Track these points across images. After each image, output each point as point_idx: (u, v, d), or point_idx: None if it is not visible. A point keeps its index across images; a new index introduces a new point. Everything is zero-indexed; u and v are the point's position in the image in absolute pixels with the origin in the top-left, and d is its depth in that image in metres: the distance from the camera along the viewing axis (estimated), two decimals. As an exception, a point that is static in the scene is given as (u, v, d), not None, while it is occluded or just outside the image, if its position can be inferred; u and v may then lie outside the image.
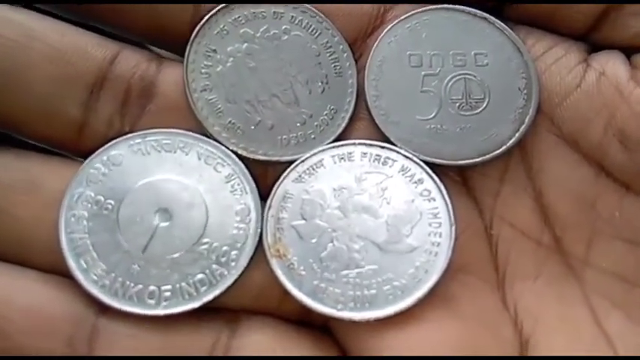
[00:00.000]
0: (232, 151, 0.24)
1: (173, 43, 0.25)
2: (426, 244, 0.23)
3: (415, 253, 0.23)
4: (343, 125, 0.25)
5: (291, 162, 0.24)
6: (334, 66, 0.25)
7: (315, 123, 0.25)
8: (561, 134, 0.24)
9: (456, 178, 0.25)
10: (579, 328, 0.24)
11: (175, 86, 0.25)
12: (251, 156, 0.24)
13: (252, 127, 0.25)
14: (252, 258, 0.23)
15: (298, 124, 0.25)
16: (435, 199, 0.24)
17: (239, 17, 0.25)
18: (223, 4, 0.25)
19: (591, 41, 0.25)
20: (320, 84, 0.25)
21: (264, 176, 0.25)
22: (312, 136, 0.25)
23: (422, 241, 0.23)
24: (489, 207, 0.25)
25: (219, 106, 0.25)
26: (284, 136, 0.25)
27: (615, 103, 0.23)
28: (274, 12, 0.25)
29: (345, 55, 0.25)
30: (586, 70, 0.24)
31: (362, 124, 0.25)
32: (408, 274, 0.23)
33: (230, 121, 0.25)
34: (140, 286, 0.23)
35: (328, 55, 0.25)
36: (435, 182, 0.24)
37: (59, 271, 0.23)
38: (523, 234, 0.25)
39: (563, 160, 0.24)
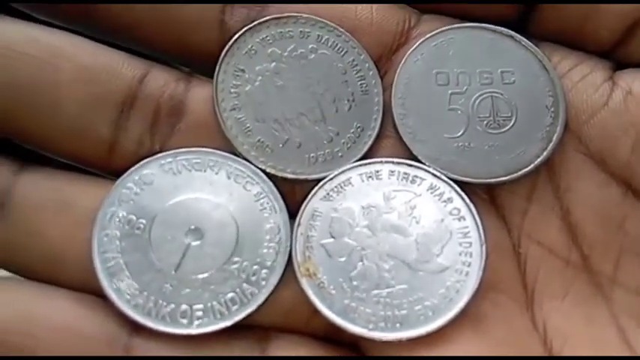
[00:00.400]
0: (261, 169, 0.24)
1: (200, 62, 0.25)
2: (456, 264, 0.23)
3: (446, 273, 0.23)
4: (370, 143, 0.25)
5: (319, 180, 0.25)
6: (360, 84, 0.25)
7: (342, 141, 0.25)
8: (589, 153, 0.24)
9: (483, 196, 0.25)
10: (608, 349, 0.23)
11: (204, 105, 0.25)
12: (279, 174, 0.25)
13: (281, 146, 0.25)
14: (282, 276, 0.23)
15: (325, 142, 0.25)
16: (464, 218, 0.24)
17: (267, 37, 0.25)
18: (251, 25, 0.25)
19: (616, 58, 0.25)
20: (347, 102, 0.25)
21: (293, 194, 0.25)
22: (340, 154, 0.25)
23: (452, 260, 0.23)
24: (517, 225, 0.25)
25: (248, 124, 0.25)
26: (312, 154, 0.25)
27: None
28: (301, 31, 0.25)
29: (371, 73, 0.25)
30: (612, 89, 0.24)
31: (388, 142, 0.25)
32: (439, 294, 0.23)
33: (259, 140, 0.25)
34: (172, 305, 0.23)
35: (354, 73, 0.25)
36: (464, 201, 0.24)
37: (91, 291, 0.23)
38: (551, 252, 0.25)
39: (591, 179, 0.24)
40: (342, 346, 0.24)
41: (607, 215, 0.24)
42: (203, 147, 0.25)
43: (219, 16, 0.25)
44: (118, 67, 0.25)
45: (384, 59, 0.26)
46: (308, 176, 0.25)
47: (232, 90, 0.25)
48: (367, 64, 0.25)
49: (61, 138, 0.24)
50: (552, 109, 0.25)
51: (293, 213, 0.24)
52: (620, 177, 0.24)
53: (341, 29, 0.25)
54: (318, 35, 0.25)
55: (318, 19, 0.25)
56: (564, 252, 0.25)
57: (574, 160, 0.25)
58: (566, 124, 0.25)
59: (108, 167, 0.25)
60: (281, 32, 0.25)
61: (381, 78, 0.26)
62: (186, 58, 0.26)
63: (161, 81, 0.25)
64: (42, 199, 0.24)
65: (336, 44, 0.25)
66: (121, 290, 0.23)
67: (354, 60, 0.25)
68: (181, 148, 0.24)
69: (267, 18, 0.25)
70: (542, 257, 0.25)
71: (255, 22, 0.25)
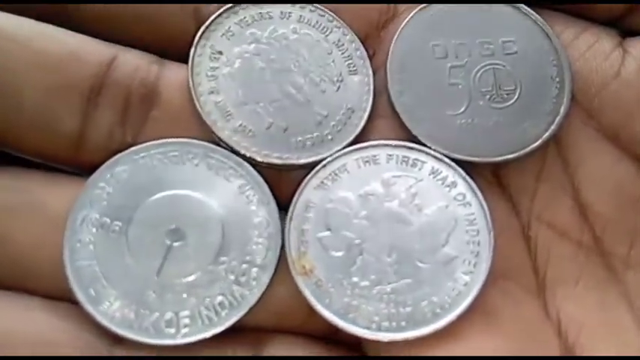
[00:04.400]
0: (244, 156, 0.22)
1: (175, 51, 0.23)
2: (464, 254, 0.21)
3: (453, 264, 0.21)
4: (361, 124, 0.23)
5: (307, 165, 0.23)
6: (348, 64, 0.24)
7: (332, 123, 0.23)
8: (600, 127, 0.23)
9: (489, 177, 0.23)
10: (624, 334, 0.22)
11: (180, 90, 0.23)
12: (265, 160, 0.23)
13: (265, 130, 0.23)
14: (274, 274, 0.21)
15: (314, 125, 0.23)
16: (470, 204, 0.22)
17: (245, 18, 0.24)
18: (228, 5, 0.23)
19: (623, 26, 0.23)
20: (334, 82, 0.24)
21: (281, 183, 0.23)
22: (329, 137, 0.23)
23: (460, 250, 0.21)
24: (526, 207, 0.23)
25: (228, 108, 0.23)
26: (299, 138, 0.23)
27: None
28: (281, 12, 0.24)
29: (358, 52, 0.24)
30: (624, 57, 0.23)
31: (382, 122, 0.24)
32: (447, 287, 0.21)
33: (240, 124, 0.23)
34: (156, 314, 0.21)
35: (341, 53, 0.24)
36: (469, 185, 0.22)
37: (67, 298, 0.21)
38: (562, 235, 0.23)
39: (603, 155, 0.23)
40: (343, 345, 0.23)
41: (620, 193, 0.23)
42: (180, 136, 0.23)
43: (194, 4, 0.23)
44: (83, 52, 0.22)
45: (372, 38, 0.24)
46: (296, 161, 0.23)
47: (209, 73, 0.23)
48: (353, 43, 0.24)
49: (22, 132, 0.22)
50: (558, 80, 0.23)
51: (282, 204, 0.22)
52: (634, 153, 0.23)
53: (323, 8, 0.24)
54: (300, 15, 0.24)
55: None
56: (576, 234, 0.23)
57: (584, 134, 0.23)
58: (575, 97, 0.23)
59: (77, 163, 0.23)
60: (260, 13, 0.24)
61: (371, 56, 0.24)
62: (161, 47, 0.24)
63: (131, 65, 0.23)
64: (9, 202, 0.22)
65: (320, 24, 0.24)
66: (97, 300, 0.21)
67: (339, 40, 0.24)
68: (156, 138, 0.22)
69: None
70: (552, 240, 0.23)
71: (232, 5, 0.24)
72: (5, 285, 0.22)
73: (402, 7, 0.24)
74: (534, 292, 0.23)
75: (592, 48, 0.23)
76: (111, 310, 0.21)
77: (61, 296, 0.22)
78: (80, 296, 0.21)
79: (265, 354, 0.22)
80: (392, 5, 0.24)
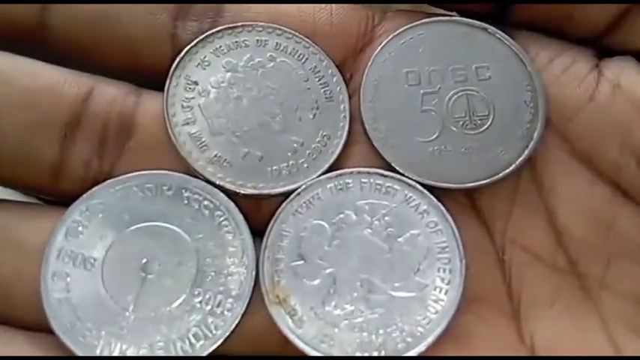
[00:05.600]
0: (220, 187, 0.23)
1: (152, 79, 0.24)
2: (435, 282, 0.21)
3: (424, 292, 0.21)
4: (337, 151, 0.23)
5: (283, 194, 0.23)
6: (324, 91, 0.24)
7: (308, 151, 0.23)
8: (574, 151, 0.23)
9: (463, 201, 0.23)
10: (598, 355, 0.22)
11: (156, 120, 0.23)
12: (240, 190, 0.23)
13: (240, 159, 0.23)
14: (248, 304, 0.22)
15: (289, 154, 0.23)
16: (442, 232, 0.22)
17: (220, 47, 0.24)
18: (203, 36, 0.24)
19: (601, 45, 0.23)
20: (310, 110, 0.24)
21: (257, 212, 0.23)
22: (305, 165, 0.23)
23: (431, 278, 0.21)
24: (500, 231, 0.23)
25: (204, 139, 0.23)
26: (274, 167, 0.23)
27: (632, 120, 0.22)
28: (257, 40, 0.24)
29: (335, 79, 0.24)
30: (598, 81, 0.23)
31: (357, 148, 0.24)
32: (419, 316, 0.21)
33: (216, 155, 0.23)
34: (132, 346, 0.21)
35: (317, 80, 0.24)
36: (441, 212, 0.22)
37: (45, 329, 0.22)
38: (537, 258, 0.23)
39: (577, 179, 0.23)
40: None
41: (595, 217, 0.23)
42: (156, 167, 0.23)
43: (170, 30, 0.24)
44: (60, 86, 0.23)
45: (349, 62, 0.24)
46: (271, 190, 0.23)
47: (184, 104, 0.23)
48: (330, 70, 0.24)
49: (2, 164, 0.23)
50: (532, 105, 0.23)
51: (260, 231, 0.23)
52: (607, 177, 0.22)
53: (300, 35, 0.24)
54: (277, 43, 0.24)
55: (275, 26, 0.24)
56: (551, 257, 0.23)
57: (558, 159, 0.23)
58: (549, 121, 0.23)
59: (56, 192, 0.23)
60: (236, 42, 0.24)
61: (347, 82, 0.24)
62: (138, 75, 0.24)
63: (108, 97, 0.23)
64: None
65: (296, 51, 0.24)
66: (73, 333, 0.21)
67: (315, 66, 0.24)
68: (132, 169, 0.23)
69: (220, 28, 0.24)
70: (527, 263, 0.23)
71: (207, 33, 0.24)
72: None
73: (379, 29, 0.24)
74: (509, 316, 0.23)
75: (567, 72, 0.23)
76: (87, 342, 0.21)
77: (41, 327, 0.22)
78: (56, 328, 0.21)
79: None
80: (370, 29, 0.24)
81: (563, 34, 0.24)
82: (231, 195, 0.23)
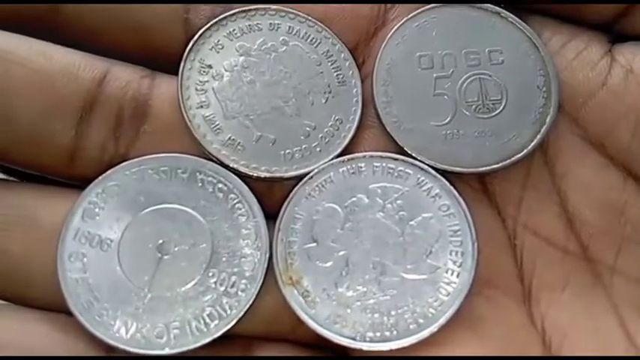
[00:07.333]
0: (233, 169, 0.23)
1: (166, 63, 0.24)
2: (447, 265, 0.22)
3: (436, 275, 0.22)
4: (350, 135, 0.24)
5: (296, 178, 0.23)
6: (337, 75, 0.24)
7: (320, 135, 0.23)
8: (586, 136, 0.23)
9: (475, 185, 0.24)
10: (609, 342, 0.22)
11: (171, 103, 0.23)
12: (253, 173, 0.23)
13: (254, 143, 0.23)
14: (262, 285, 0.22)
15: (302, 137, 0.23)
16: (454, 215, 0.22)
17: (234, 30, 0.24)
18: (217, 18, 0.24)
19: (614, 30, 0.23)
20: (323, 94, 0.24)
21: (271, 194, 0.23)
22: (318, 149, 0.23)
23: (443, 261, 0.22)
24: (512, 215, 0.23)
25: (217, 122, 0.23)
26: (287, 151, 0.23)
27: None
28: (270, 23, 0.24)
29: (348, 63, 0.24)
30: (611, 66, 0.23)
31: (370, 132, 0.24)
32: (430, 298, 0.21)
33: (230, 138, 0.23)
34: (147, 325, 0.21)
35: (330, 64, 0.24)
36: (453, 196, 0.22)
37: (61, 309, 0.22)
38: (548, 242, 0.23)
39: (589, 164, 0.23)
40: (330, 351, 0.23)
41: (607, 202, 0.23)
42: (171, 149, 0.23)
43: (183, 14, 0.24)
44: (75, 69, 0.23)
45: (361, 46, 0.24)
46: (284, 174, 0.23)
47: (198, 87, 0.23)
48: (343, 54, 0.24)
49: (18, 148, 0.23)
50: (544, 90, 0.23)
51: (272, 215, 0.23)
52: (619, 162, 0.23)
53: (313, 19, 0.24)
54: (289, 27, 0.24)
55: (288, 9, 0.24)
56: (562, 241, 0.23)
57: (570, 143, 0.23)
58: (561, 106, 0.23)
59: (71, 175, 0.23)
60: (249, 25, 0.24)
61: (360, 66, 0.24)
62: (151, 60, 0.24)
63: (123, 80, 0.23)
64: (5, 216, 0.22)
65: (309, 35, 0.24)
66: (90, 312, 0.21)
67: (328, 50, 0.24)
68: (147, 152, 0.23)
69: (234, 11, 0.24)
70: (539, 248, 0.23)
71: (221, 16, 0.24)
72: (2, 297, 0.22)
73: (392, 13, 0.24)
74: (520, 300, 0.23)
75: (580, 56, 0.23)
76: (103, 321, 0.21)
77: (57, 307, 0.22)
78: (73, 308, 0.21)
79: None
80: (382, 12, 0.24)
81: (576, 19, 0.24)
82: (244, 178, 0.23)
